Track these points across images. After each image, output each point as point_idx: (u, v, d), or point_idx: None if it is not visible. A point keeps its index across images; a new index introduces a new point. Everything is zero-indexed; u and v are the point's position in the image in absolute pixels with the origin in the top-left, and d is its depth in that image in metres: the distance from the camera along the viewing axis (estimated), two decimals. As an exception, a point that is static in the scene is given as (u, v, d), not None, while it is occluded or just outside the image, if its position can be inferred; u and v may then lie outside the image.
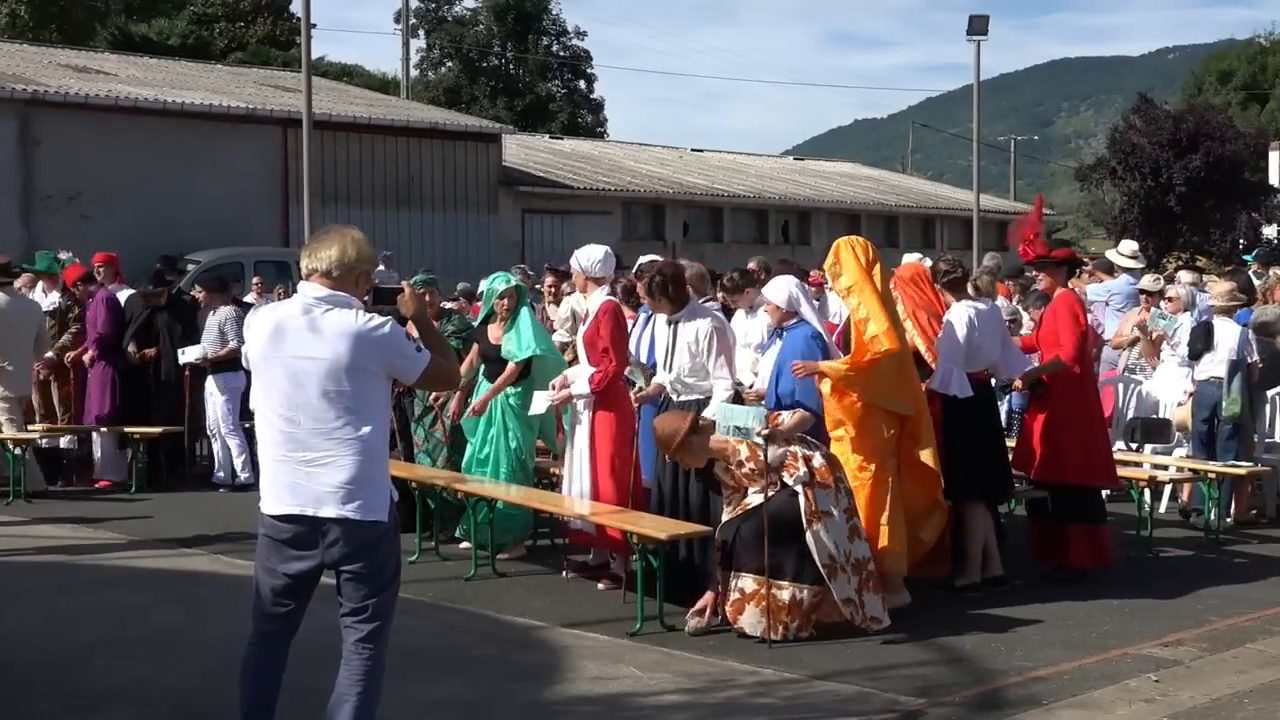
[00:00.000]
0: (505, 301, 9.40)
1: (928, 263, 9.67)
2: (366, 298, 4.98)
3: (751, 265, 11.00)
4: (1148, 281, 13.30)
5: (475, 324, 10.13)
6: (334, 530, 4.68)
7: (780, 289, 8.12)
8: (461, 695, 6.33)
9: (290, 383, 4.70)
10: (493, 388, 9.24)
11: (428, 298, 10.16)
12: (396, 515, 4.89)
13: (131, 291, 13.28)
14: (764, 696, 6.32)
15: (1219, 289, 11.55)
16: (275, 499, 4.75)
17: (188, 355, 12.41)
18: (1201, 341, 10.93)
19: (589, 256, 8.80)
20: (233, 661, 4.75)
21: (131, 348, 12.61)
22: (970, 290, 8.79)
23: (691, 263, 9.17)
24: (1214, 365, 10.86)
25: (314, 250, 4.82)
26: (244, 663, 4.87)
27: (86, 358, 12.69)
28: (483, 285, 10.70)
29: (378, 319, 4.77)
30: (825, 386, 7.77)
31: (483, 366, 9.52)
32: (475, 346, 9.68)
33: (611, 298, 8.76)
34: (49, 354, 12.72)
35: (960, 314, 8.47)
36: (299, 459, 4.70)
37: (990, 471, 8.46)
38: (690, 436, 7.32)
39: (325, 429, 4.68)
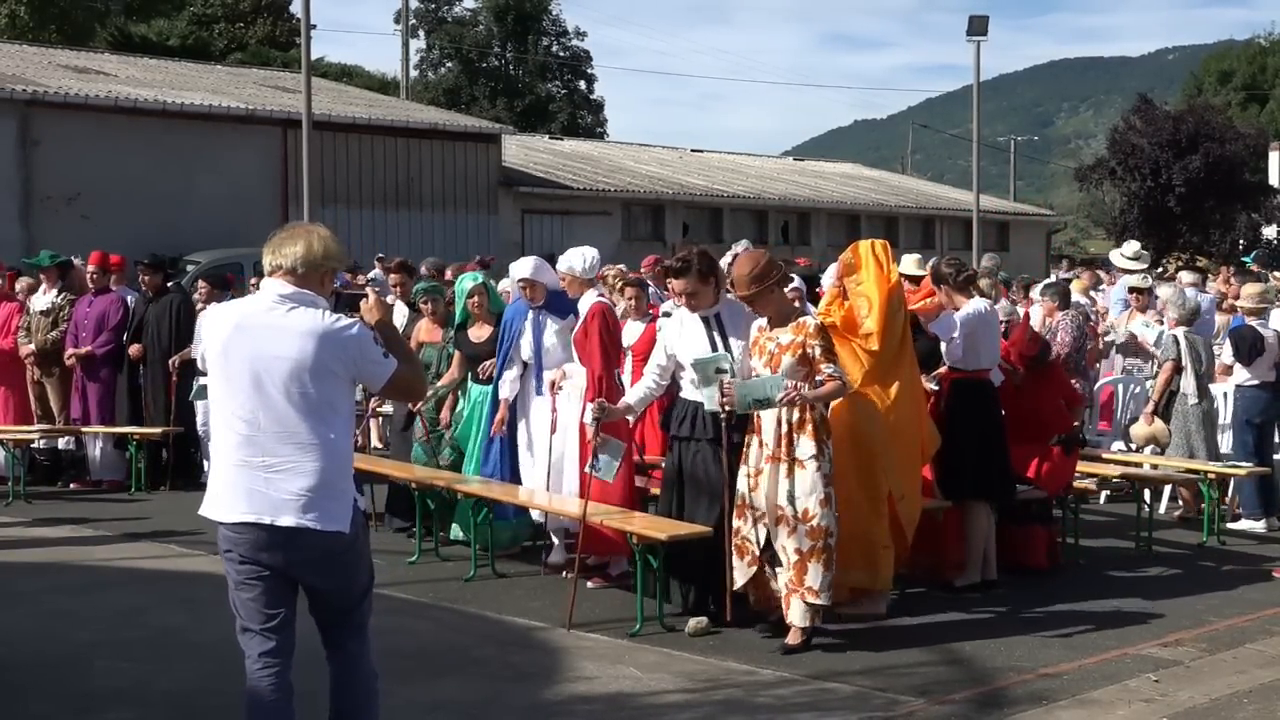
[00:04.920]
0: (476, 299, 9.50)
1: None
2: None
3: (740, 249, 10.96)
4: (1136, 280, 13.28)
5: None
6: (293, 540, 4.47)
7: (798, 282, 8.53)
8: (462, 695, 6.33)
9: (251, 383, 4.48)
10: None
11: (429, 306, 10.17)
12: (364, 523, 4.70)
13: (135, 294, 13.28)
14: (763, 696, 6.32)
15: (1249, 291, 11.47)
16: (230, 506, 4.51)
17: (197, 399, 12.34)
18: (1249, 345, 10.87)
19: (584, 259, 8.83)
20: (232, 663, 4.68)
21: (134, 348, 12.62)
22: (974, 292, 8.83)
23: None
24: (1262, 370, 10.81)
25: (278, 247, 4.61)
26: (251, 700, 4.57)
27: (68, 357, 12.68)
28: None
29: (345, 319, 4.59)
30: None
31: (469, 370, 9.57)
32: (457, 353, 9.67)
33: (602, 299, 8.75)
34: (31, 346, 12.74)
35: (978, 304, 8.53)
36: (258, 464, 4.48)
37: (992, 472, 8.46)
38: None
39: (287, 432, 4.47)
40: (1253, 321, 11.07)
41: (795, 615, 7.04)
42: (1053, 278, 16.16)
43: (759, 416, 7.11)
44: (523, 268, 8.98)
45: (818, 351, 7.01)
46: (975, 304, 8.54)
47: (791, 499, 7.01)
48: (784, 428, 7.04)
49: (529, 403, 8.97)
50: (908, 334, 7.93)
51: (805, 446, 7.02)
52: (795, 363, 7.00)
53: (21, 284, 13.48)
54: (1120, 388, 12.38)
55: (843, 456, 7.74)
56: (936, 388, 8.59)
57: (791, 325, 7.13)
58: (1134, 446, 11.23)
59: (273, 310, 4.53)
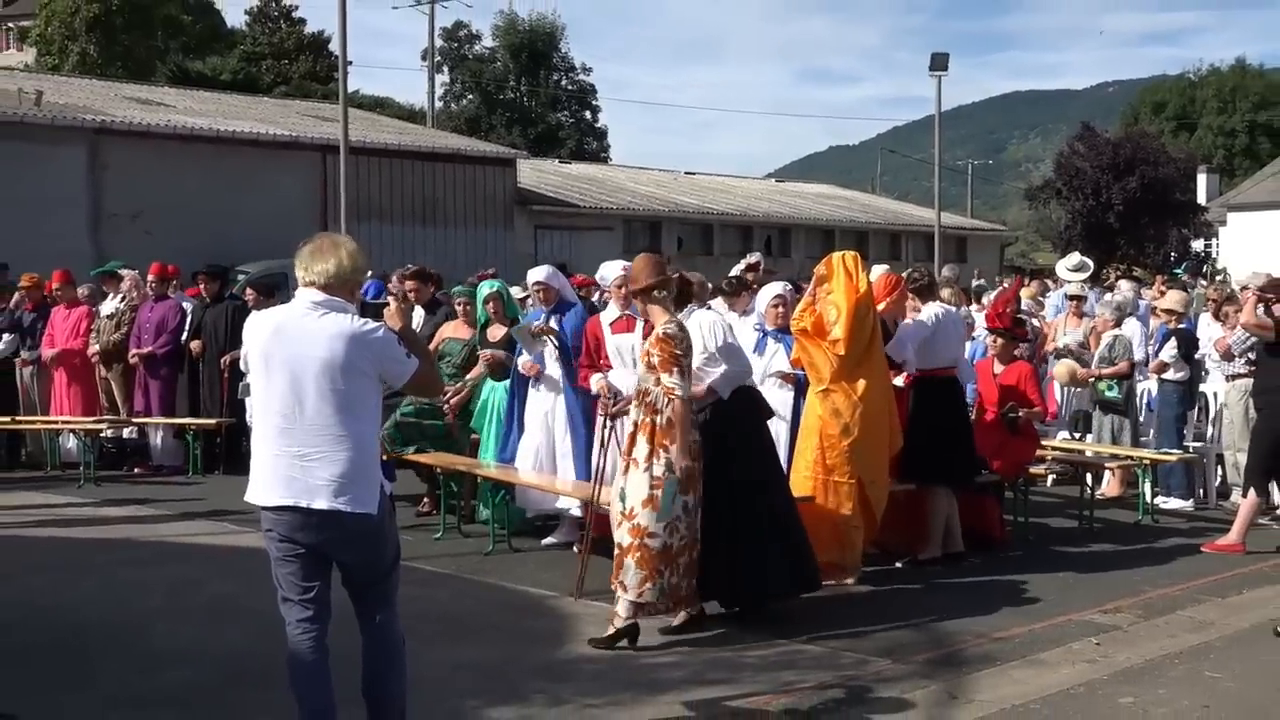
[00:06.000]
0: (492, 305, 9.53)
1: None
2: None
3: (753, 259, 10.98)
4: (1074, 288, 13.27)
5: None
6: (326, 522, 4.46)
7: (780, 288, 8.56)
8: (482, 657, 6.33)
9: (289, 381, 4.47)
10: None
11: (464, 306, 10.16)
12: (390, 506, 4.69)
13: (193, 301, 13.29)
14: (746, 657, 6.32)
15: (1173, 298, 11.46)
16: (270, 490, 4.52)
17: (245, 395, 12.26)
18: (1195, 346, 10.97)
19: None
20: (278, 628, 4.69)
21: (195, 344, 12.64)
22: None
23: (692, 272, 9.18)
24: (1183, 368, 10.88)
25: (311, 263, 4.58)
26: (292, 661, 4.58)
27: (132, 357, 12.70)
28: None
29: (372, 323, 4.58)
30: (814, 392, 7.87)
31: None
32: (481, 351, 9.70)
33: None
34: (95, 348, 12.78)
35: (930, 311, 8.52)
36: (294, 454, 4.46)
37: (953, 457, 8.45)
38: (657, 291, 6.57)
39: (320, 425, 4.45)
40: (1183, 325, 11.10)
41: (618, 605, 6.55)
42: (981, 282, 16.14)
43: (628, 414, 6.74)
44: (538, 273, 9.00)
45: (655, 360, 6.46)
46: (931, 310, 8.54)
47: (623, 496, 6.54)
48: (630, 428, 6.63)
49: (534, 392, 8.96)
50: (877, 336, 7.91)
51: (641, 449, 6.47)
52: (646, 369, 6.55)
53: (83, 290, 13.53)
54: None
55: (815, 447, 7.75)
56: (901, 384, 8.59)
57: (654, 333, 6.59)
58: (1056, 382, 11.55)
59: (307, 316, 4.53)
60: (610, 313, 8.49)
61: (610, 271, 8.62)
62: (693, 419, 6.53)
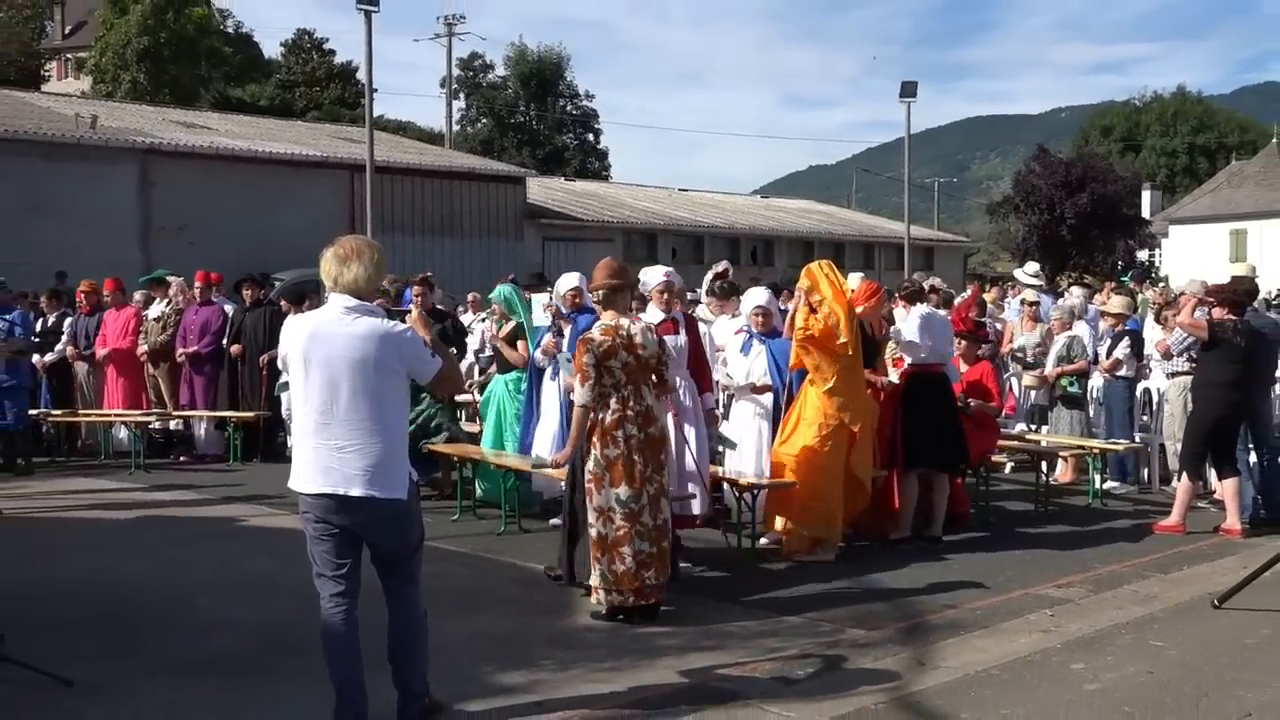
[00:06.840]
0: (499, 308, 9.55)
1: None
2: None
3: (720, 268, 10.98)
4: (1029, 294, 13.26)
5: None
6: (362, 506, 4.46)
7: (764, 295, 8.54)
8: (495, 627, 6.33)
9: (326, 381, 4.44)
10: None
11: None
12: (416, 492, 4.67)
13: (234, 306, 13.32)
14: (731, 627, 6.32)
15: (1118, 302, 11.46)
16: (310, 479, 4.49)
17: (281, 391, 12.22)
18: (1141, 347, 11.03)
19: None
20: (311, 601, 4.67)
21: (235, 348, 12.65)
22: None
23: (666, 272, 9.17)
24: (1133, 367, 10.91)
25: (341, 271, 4.52)
26: (325, 632, 4.55)
27: (179, 355, 12.74)
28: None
29: (401, 324, 4.57)
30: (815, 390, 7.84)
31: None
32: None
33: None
34: (144, 348, 12.82)
35: (921, 309, 8.56)
36: (332, 446, 4.44)
37: (943, 446, 8.41)
38: (619, 290, 6.35)
39: (355, 420, 4.43)
40: (1127, 327, 11.09)
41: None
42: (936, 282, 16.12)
43: None
44: (570, 279, 8.94)
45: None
46: (922, 309, 8.55)
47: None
48: None
49: (549, 383, 8.92)
50: (857, 331, 7.96)
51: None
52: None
53: (138, 296, 13.60)
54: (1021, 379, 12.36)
55: (815, 436, 7.72)
56: (896, 380, 8.59)
57: None
58: (1025, 384, 11.60)
59: (341, 319, 4.49)
60: (653, 316, 8.09)
61: (652, 277, 8.30)
62: (623, 418, 6.21)
